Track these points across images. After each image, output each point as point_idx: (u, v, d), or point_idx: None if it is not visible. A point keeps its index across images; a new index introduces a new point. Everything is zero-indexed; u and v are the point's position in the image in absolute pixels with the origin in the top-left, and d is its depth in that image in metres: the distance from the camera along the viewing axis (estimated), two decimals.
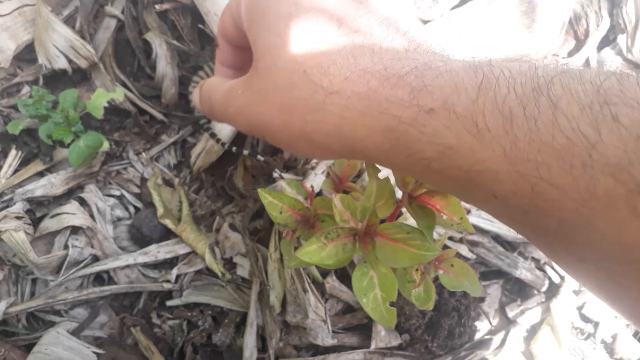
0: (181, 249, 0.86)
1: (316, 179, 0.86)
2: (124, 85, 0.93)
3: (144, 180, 0.91)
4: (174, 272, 0.84)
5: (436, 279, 0.63)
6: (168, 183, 0.91)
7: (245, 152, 0.84)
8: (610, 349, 0.84)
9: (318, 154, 0.41)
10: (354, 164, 0.73)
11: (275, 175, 0.83)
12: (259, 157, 0.83)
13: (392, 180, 0.60)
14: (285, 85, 0.37)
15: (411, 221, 0.59)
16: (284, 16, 0.38)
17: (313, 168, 0.88)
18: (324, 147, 0.38)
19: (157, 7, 0.82)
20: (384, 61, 0.34)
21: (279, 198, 0.68)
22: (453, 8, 0.99)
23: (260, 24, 0.40)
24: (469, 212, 0.85)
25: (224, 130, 0.86)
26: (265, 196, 0.67)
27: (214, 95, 0.48)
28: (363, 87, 0.34)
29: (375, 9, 0.39)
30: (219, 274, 0.84)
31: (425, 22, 0.96)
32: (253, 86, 0.41)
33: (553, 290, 0.85)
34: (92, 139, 0.80)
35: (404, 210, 0.70)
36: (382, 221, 0.57)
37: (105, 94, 0.83)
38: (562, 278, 0.85)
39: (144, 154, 0.91)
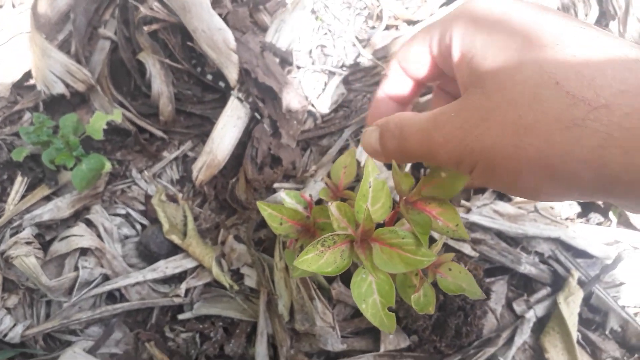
0: (189, 263, 0.88)
1: (316, 187, 0.87)
2: (122, 105, 0.94)
3: (148, 197, 0.92)
4: (183, 286, 0.86)
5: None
6: (172, 199, 0.92)
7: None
8: (620, 338, 0.84)
9: (551, 189, 0.32)
10: (350, 172, 0.74)
11: (276, 185, 0.84)
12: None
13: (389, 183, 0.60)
14: (525, 100, 0.31)
15: (407, 227, 0.60)
16: (527, 24, 0.33)
17: (312, 176, 0.89)
18: (568, 178, 0.31)
19: (146, 28, 0.83)
20: None
21: (278, 210, 0.68)
22: (442, 6, 0.99)
23: (489, 41, 0.35)
24: (469, 210, 0.85)
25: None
26: (265, 208, 0.68)
27: (409, 127, 0.41)
28: None
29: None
30: (227, 286, 0.86)
31: (414, 22, 0.97)
32: (474, 105, 0.34)
33: (559, 283, 0.85)
34: (94, 161, 0.81)
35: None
36: (381, 225, 0.58)
37: (104, 116, 0.84)
38: (567, 270, 0.85)
39: (146, 172, 0.92)
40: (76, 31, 0.98)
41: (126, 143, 0.96)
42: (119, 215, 0.91)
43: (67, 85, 0.91)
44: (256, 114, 0.85)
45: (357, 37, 0.96)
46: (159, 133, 0.94)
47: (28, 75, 0.96)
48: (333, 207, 0.58)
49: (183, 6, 0.80)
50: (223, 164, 0.89)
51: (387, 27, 0.98)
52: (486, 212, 0.85)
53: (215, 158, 0.88)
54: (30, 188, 0.90)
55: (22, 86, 0.97)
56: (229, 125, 0.87)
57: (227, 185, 0.91)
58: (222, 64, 0.82)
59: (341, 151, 0.92)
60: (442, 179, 0.59)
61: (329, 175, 0.89)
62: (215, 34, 0.80)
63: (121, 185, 0.93)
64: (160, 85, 0.90)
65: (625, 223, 0.90)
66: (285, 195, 0.72)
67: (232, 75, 0.82)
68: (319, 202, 0.85)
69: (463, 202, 0.86)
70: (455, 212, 0.57)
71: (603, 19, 1.00)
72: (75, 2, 0.99)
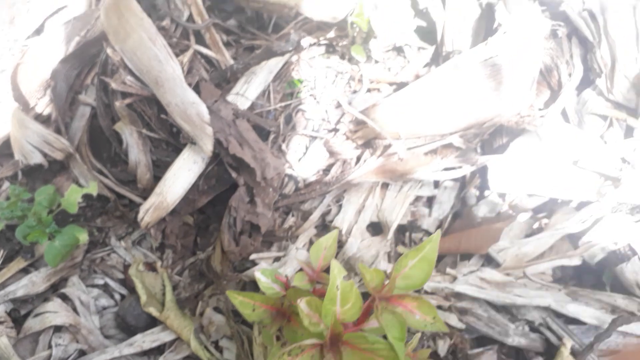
0: (167, 336, 0.85)
1: (298, 254, 0.85)
2: (101, 172, 0.93)
3: (126, 267, 0.90)
4: None
5: None
6: (151, 267, 0.90)
7: None
8: None
9: None
10: (330, 253, 0.71)
11: (253, 257, 0.82)
12: None
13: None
14: None
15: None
16: None
17: (294, 242, 0.87)
18: None
19: (118, 103, 0.83)
20: None
21: (250, 296, 0.66)
22: (425, 66, 0.98)
23: None
24: (455, 278, 0.82)
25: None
26: (235, 297, 0.66)
27: None
28: None
29: None
30: None
31: (397, 84, 0.96)
32: None
33: (552, 351, 0.82)
34: (67, 237, 0.80)
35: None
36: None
37: (79, 189, 0.83)
38: (559, 338, 0.81)
39: (122, 242, 0.91)
40: (56, 98, 0.97)
41: (107, 209, 0.95)
42: (97, 286, 0.89)
43: (45, 155, 0.91)
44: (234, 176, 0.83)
45: (338, 101, 0.95)
46: (138, 199, 0.92)
47: (8, 142, 0.95)
48: (303, 303, 0.56)
49: (156, 81, 0.80)
50: (172, 207, 0.86)
51: (369, 90, 0.97)
52: (472, 280, 0.82)
53: (164, 200, 0.85)
54: (7, 260, 0.88)
55: (2, 154, 0.96)
56: (184, 169, 0.85)
57: (175, 230, 0.89)
58: (197, 136, 0.81)
59: (323, 217, 0.90)
60: (411, 267, 0.58)
61: (309, 245, 0.87)
62: (188, 108, 0.79)
63: (100, 254, 0.92)
64: (137, 154, 0.89)
65: (619, 287, 0.86)
66: (261, 275, 0.69)
67: (207, 147, 0.81)
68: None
69: (449, 269, 0.83)
70: (431, 305, 0.56)
71: (588, 77, 0.98)
72: (56, 69, 0.99)
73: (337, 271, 0.53)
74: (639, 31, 0.97)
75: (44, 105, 1.00)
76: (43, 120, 1.01)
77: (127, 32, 0.82)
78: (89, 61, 1.03)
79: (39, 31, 1.17)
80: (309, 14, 0.90)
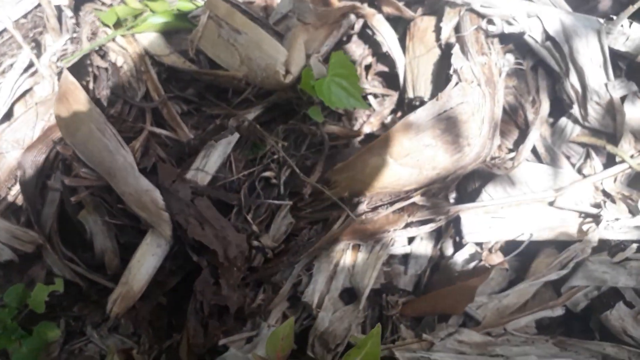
0: None
1: (270, 333, 0.83)
2: (72, 260, 0.93)
3: (104, 355, 0.90)
4: None
5: None
6: (127, 354, 0.89)
7: None
8: None
9: None
10: (288, 344, 0.69)
11: (222, 342, 0.80)
12: None
13: None
14: None
15: None
16: None
17: (266, 319, 0.85)
18: None
19: (73, 199, 0.82)
20: None
21: None
22: (391, 113, 0.97)
23: None
24: (432, 345, 0.79)
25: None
26: None
27: None
28: None
29: None
30: None
31: (365, 134, 0.94)
32: None
33: None
34: (36, 340, 0.80)
35: None
36: None
37: (45, 288, 0.83)
38: None
39: (97, 331, 0.90)
40: (25, 186, 0.97)
41: (83, 295, 0.95)
42: None
43: (14, 250, 0.91)
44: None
45: (303, 163, 0.94)
46: (110, 284, 0.92)
47: None
48: None
49: (108, 171, 0.80)
50: (139, 294, 0.85)
51: (335, 146, 0.96)
52: (451, 344, 0.79)
53: (131, 289, 0.84)
54: None
55: None
56: (148, 254, 0.84)
57: (147, 315, 0.88)
58: (154, 222, 0.80)
59: (295, 286, 0.88)
60: None
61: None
62: (142, 196, 0.79)
63: (78, 344, 0.91)
64: (103, 241, 0.89)
65: (608, 334, 0.82)
66: None
67: (166, 232, 0.80)
68: None
69: (425, 335, 0.80)
70: None
71: (561, 107, 0.95)
72: (24, 156, 1.00)
73: None
74: (605, 56, 0.93)
75: (15, 195, 1.01)
76: (15, 209, 1.02)
77: (76, 125, 0.83)
78: (55, 144, 1.03)
79: (8, 116, 1.19)
80: (259, 84, 0.89)
